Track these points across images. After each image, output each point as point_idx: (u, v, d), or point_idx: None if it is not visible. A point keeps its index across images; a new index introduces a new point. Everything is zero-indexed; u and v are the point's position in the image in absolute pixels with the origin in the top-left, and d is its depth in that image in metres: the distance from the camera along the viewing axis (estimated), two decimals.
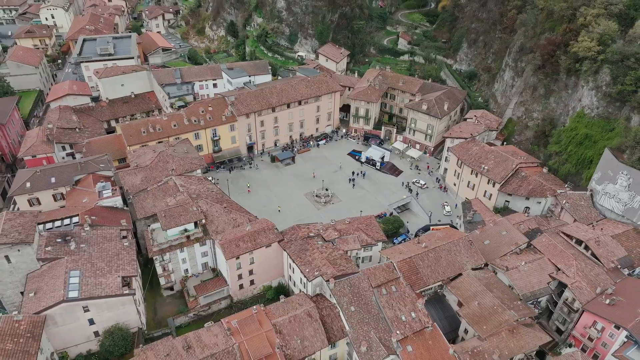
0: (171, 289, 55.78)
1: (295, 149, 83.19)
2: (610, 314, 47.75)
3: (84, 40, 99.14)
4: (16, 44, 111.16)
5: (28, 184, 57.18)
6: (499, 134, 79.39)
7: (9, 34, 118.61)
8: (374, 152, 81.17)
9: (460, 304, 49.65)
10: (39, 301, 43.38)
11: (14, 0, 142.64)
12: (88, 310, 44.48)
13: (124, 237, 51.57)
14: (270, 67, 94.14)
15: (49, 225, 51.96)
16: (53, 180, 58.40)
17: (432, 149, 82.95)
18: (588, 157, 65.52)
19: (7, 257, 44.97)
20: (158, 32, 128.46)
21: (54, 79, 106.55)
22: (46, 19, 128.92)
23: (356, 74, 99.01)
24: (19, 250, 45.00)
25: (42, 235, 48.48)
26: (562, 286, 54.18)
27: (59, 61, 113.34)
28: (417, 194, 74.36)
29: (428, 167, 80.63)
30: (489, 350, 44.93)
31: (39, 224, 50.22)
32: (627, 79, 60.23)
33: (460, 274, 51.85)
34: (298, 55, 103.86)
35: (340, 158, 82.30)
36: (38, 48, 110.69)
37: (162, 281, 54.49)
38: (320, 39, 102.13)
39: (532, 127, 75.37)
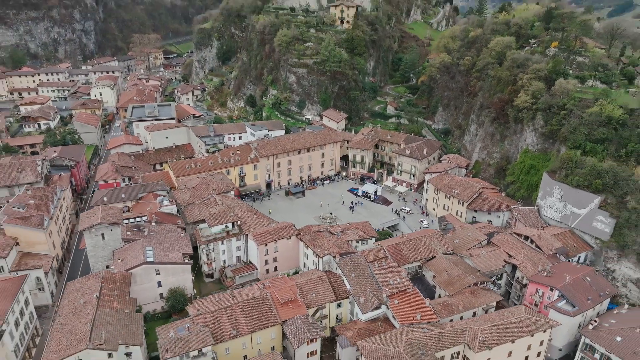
0: (211, 276, 71.29)
1: (305, 186, 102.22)
2: (547, 281, 63.35)
3: (133, 107, 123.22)
4: (72, 115, 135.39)
5: (105, 198, 75.30)
6: (468, 172, 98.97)
7: (64, 107, 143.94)
8: (369, 187, 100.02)
9: (434, 277, 65.31)
10: (125, 265, 59.52)
11: (67, 83, 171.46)
12: (159, 274, 60.38)
13: (181, 228, 68.80)
14: (284, 126, 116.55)
15: (125, 222, 69.37)
16: (123, 196, 76.57)
17: (415, 186, 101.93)
18: (534, 182, 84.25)
19: (102, 235, 61.97)
20: (188, 104, 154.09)
21: (104, 138, 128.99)
22: (95, 95, 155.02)
23: (353, 131, 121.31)
24: (111, 230, 62.14)
25: (123, 225, 65.76)
26: (514, 270, 69.93)
27: (107, 126, 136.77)
28: (404, 217, 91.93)
29: (416, 200, 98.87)
30: (455, 304, 59.99)
31: None
32: (553, 121, 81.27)
33: (434, 256, 68.13)
34: (306, 118, 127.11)
35: (341, 193, 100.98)
36: None
37: (204, 269, 70.30)
38: (323, 105, 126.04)
39: (493, 165, 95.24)
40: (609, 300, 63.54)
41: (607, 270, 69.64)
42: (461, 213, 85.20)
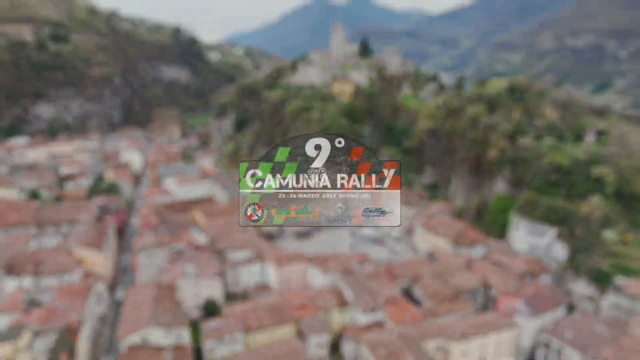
0: (235, 295, 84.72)
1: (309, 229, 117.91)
2: (513, 293, 76.94)
3: (163, 165, 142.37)
4: (103, 178, 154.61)
5: (150, 231, 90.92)
6: (454, 216, 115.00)
7: (97, 169, 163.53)
8: (368, 230, 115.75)
9: (421, 290, 78.91)
10: (170, 278, 73.94)
11: (98, 149, 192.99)
12: (196, 286, 74.44)
13: (212, 254, 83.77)
14: None
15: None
16: (164, 229, 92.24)
17: (407, 228, 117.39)
18: (506, 221, 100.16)
19: (151, 255, 76.93)
20: (208, 166, 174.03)
21: (136, 191, 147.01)
22: (125, 158, 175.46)
23: None
24: (159, 251, 77.28)
25: (167, 249, 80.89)
26: (489, 290, 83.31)
27: (136, 183, 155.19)
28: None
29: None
30: (439, 309, 73.31)
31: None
32: (518, 171, 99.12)
33: (422, 277, 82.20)
34: None
35: (349, 237, 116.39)
36: None
37: (231, 288, 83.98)
38: None
39: (473, 208, 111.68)
40: (566, 309, 76.79)
41: (566, 290, 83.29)
42: (446, 249, 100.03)
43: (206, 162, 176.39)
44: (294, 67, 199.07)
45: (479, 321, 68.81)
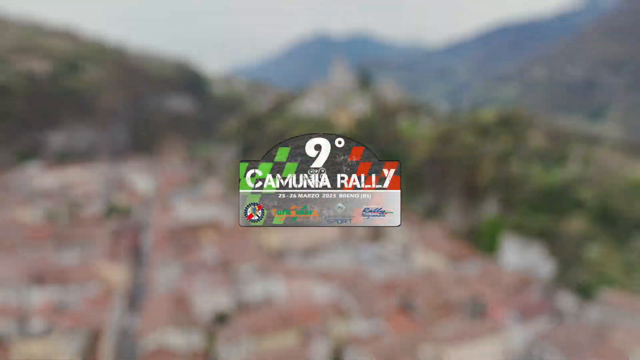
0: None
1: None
2: (504, 303, 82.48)
3: (172, 189, 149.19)
4: (113, 202, 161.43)
5: (165, 249, 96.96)
6: (449, 236, 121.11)
7: (107, 193, 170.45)
8: (368, 247, 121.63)
9: (416, 301, 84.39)
10: (183, 288, 79.62)
11: (106, 174, 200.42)
12: (209, 297, 79.97)
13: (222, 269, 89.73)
14: None
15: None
16: (177, 247, 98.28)
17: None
18: (498, 239, 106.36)
19: (168, 268, 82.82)
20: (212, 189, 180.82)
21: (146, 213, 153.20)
22: (134, 183, 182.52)
23: None
24: (174, 265, 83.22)
25: (182, 265, 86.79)
26: (481, 299, 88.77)
27: (145, 206, 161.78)
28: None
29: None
30: (433, 318, 78.69)
31: None
32: (507, 192, 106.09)
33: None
34: None
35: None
36: None
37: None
38: None
39: (466, 229, 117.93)
40: (553, 318, 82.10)
41: (553, 301, 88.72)
42: (442, 265, 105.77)
43: (212, 187, 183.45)
44: (295, 97, 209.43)
45: (472, 328, 74.20)
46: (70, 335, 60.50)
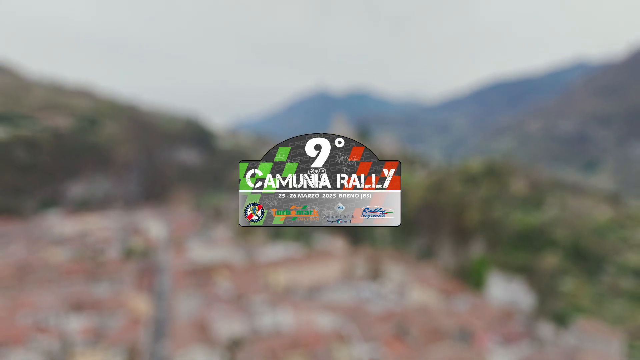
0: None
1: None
2: (488, 329, 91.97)
3: (184, 233, 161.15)
4: (130, 246, 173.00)
5: (184, 286, 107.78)
6: (440, 274, 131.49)
7: (121, 238, 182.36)
8: (366, 285, 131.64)
9: (411, 330, 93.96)
10: (203, 317, 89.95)
11: (121, 221, 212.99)
12: (225, 325, 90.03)
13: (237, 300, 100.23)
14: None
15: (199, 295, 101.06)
16: (195, 284, 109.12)
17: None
18: (484, 276, 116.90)
19: (189, 301, 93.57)
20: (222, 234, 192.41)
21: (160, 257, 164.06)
22: (147, 229, 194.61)
23: None
24: (195, 295, 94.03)
25: (200, 297, 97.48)
26: (469, 329, 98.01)
27: (160, 250, 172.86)
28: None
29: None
30: (427, 343, 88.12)
31: None
32: (493, 234, 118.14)
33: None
34: None
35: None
36: None
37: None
38: None
39: (456, 267, 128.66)
40: (532, 345, 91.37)
41: (533, 330, 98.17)
42: (434, 299, 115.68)
43: (221, 232, 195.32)
44: None
45: (460, 351, 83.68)
46: (113, 349, 70.87)
